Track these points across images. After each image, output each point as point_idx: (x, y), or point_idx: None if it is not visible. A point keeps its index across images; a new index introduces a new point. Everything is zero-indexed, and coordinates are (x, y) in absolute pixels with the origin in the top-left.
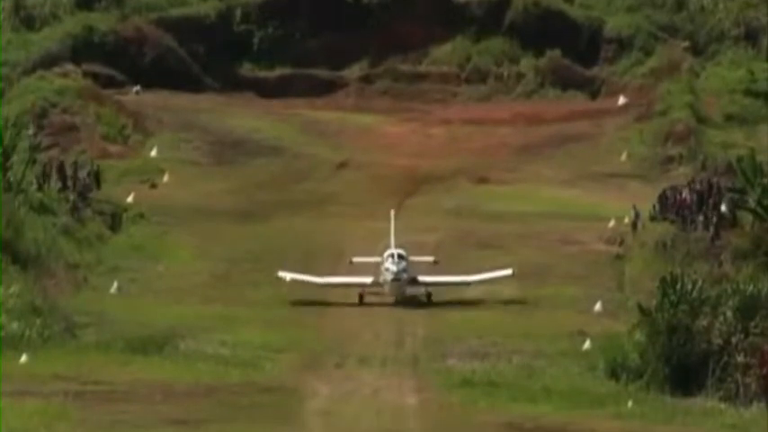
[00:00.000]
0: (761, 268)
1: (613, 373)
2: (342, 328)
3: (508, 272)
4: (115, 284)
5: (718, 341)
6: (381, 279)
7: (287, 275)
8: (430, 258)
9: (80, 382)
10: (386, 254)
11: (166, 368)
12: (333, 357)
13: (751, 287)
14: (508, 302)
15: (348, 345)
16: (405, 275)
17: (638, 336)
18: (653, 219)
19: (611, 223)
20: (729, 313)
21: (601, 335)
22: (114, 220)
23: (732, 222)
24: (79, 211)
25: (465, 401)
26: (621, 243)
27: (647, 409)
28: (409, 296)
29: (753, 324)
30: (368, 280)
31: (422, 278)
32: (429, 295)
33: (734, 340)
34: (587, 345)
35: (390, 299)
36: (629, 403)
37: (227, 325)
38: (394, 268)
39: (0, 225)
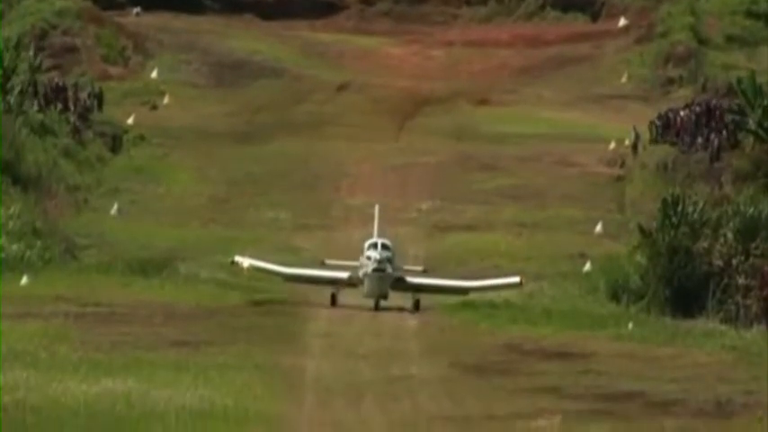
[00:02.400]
0: (761, 190)
1: (614, 295)
2: (343, 249)
3: (515, 279)
4: (115, 206)
5: (718, 263)
6: (361, 273)
7: (244, 261)
8: (419, 268)
9: (80, 304)
10: (367, 243)
11: (167, 290)
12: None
13: (752, 209)
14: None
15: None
16: (389, 268)
17: (639, 257)
18: (653, 140)
19: (612, 145)
20: (730, 235)
21: (601, 256)
22: (115, 142)
23: (733, 144)
24: (80, 133)
25: (465, 323)
26: (622, 165)
27: (647, 330)
28: (385, 297)
29: (753, 245)
30: (344, 275)
31: (411, 279)
32: (417, 303)
33: (734, 262)
34: (588, 266)
35: (369, 301)
36: (630, 325)
37: (227, 247)
38: (377, 255)
39: (0, 147)
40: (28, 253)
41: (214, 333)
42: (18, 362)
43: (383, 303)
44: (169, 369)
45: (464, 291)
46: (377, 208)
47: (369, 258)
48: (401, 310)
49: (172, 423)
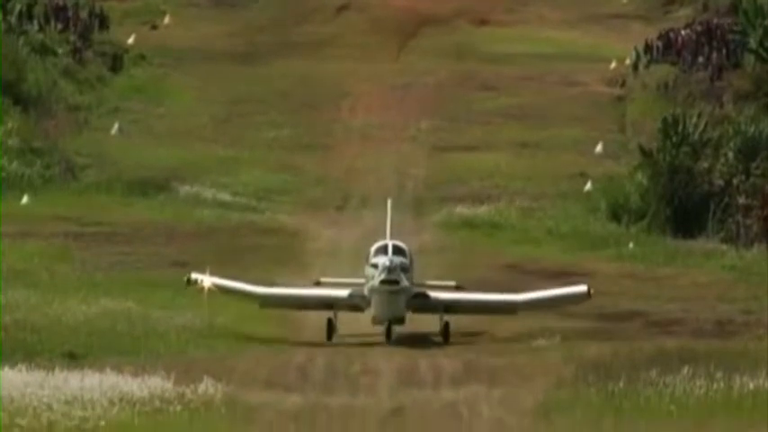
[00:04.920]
0: (762, 109)
1: (614, 215)
2: (343, 170)
3: (582, 288)
4: (116, 126)
5: (719, 182)
6: (366, 288)
7: (205, 280)
8: (450, 283)
9: (81, 224)
10: (373, 248)
11: (167, 210)
12: (334, 199)
13: (752, 128)
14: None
15: (349, 187)
16: (405, 279)
17: (640, 177)
18: (654, 60)
19: (613, 65)
20: (731, 154)
21: (602, 176)
22: (115, 62)
23: (734, 63)
24: (80, 53)
25: (466, 243)
26: (623, 84)
27: (648, 250)
28: (401, 321)
29: (754, 165)
30: (343, 293)
31: (437, 296)
32: (446, 328)
33: (735, 181)
34: (588, 186)
35: (378, 328)
36: (630, 245)
37: (227, 167)
38: (386, 262)
39: (0, 66)
40: (28, 172)
41: (215, 253)
42: (18, 281)
43: (397, 330)
44: (169, 289)
45: (512, 308)
46: (389, 203)
47: (376, 267)
48: (423, 339)
49: (172, 341)
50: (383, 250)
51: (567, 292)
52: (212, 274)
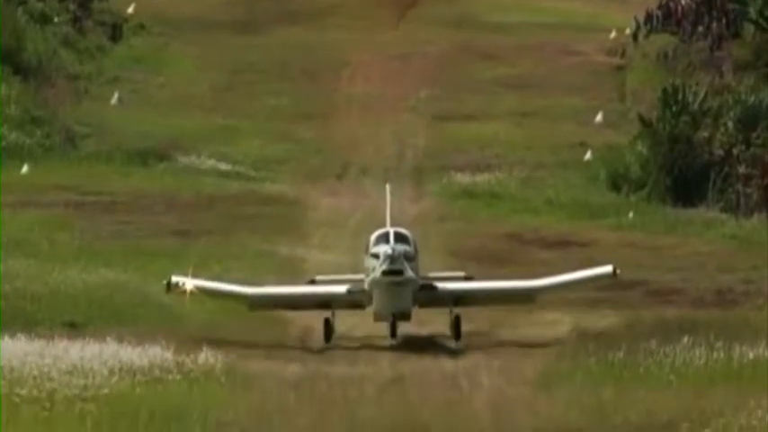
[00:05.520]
0: (762, 79)
1: (614, 185)
2: (343, 139)
3: (607, 269)
4: (116, 95)
5: (719, 152)
6: (367, 282)
7: (186, 282)
8: (459, 273)
9: (81, 193)
10: (373, 236)
11: (167, 179)
12: (334, 168)
13: (752, 97)
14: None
15: (349, 156)
16: (409, 270)
17: (640, 147)
18: (654, 29)
19: (613, 34)
20: (731, 124)
21: (602, 146)
22: (115, 31)
23: (733, 32)
24: (80, 22)
25: (466, 212)
26: (623, 54)
27: (647, 219)
28: (406, 316)
29: (754, 135)
30: (341, 290)
31: (446, 287)
32: (458, 323)
33: (735, 151)
34: (588, 156)
35: (380, 327)
36: (630, 214)
37: (227, 136)
38: (388, 250)
39: (0, 35)
40: (28, 141)
41: (215, 222)
42: (18, 250)
43: (402, 329)
44: (168, 258)
45: (530, 295)
46: (387, 188)
47: (377, 257)
48: (431, 341)
49: (173, 311)
50: (384, 238)
51: (590, 274)
52: (212, 243)
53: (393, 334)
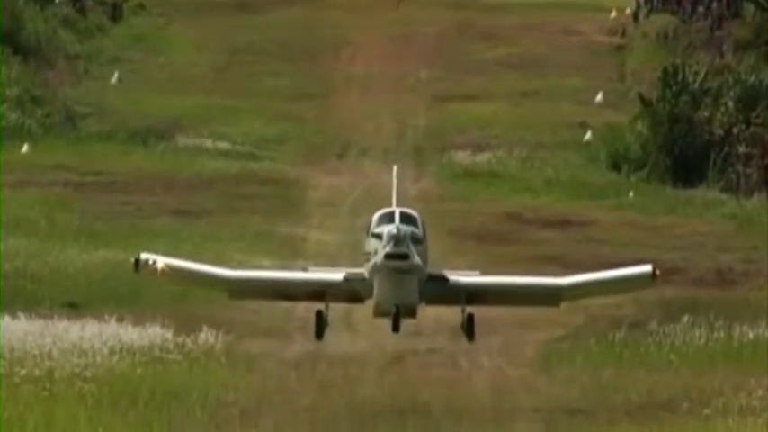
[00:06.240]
0: (762, 58)
1: (614, 165)
2: (343, 119)
3: (646, 268)
4: (116, 75)
5: (719, 132)
6: (367, 269)
7: (158, 260)
8: (473, 273)
9: (81, 173)
10: (375, 216)
11: (167, 160)
12: (334, 148)
13: (752, 77)
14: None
15: (349, 135)
16: (416, 256)
17: (640, 127)
18: (654, 9)
19: (613, 14)
20: (731, 104)
21: (602, 126)
22: (115, 11)
23: (734, 12)
24: (80, 2)
25: (466, 192)
26: (623, 34)
27: (648, 199)
28: (412, 311)
29: (754, 114)
30: (337, 276)
31: (460, 279)
32: (470, 321)
33: (735, 131)
34: (588, 136)
35: (382, 318)
36: (630, 194)
37: (227, 116)
38: (393, 230)
39: (0, 16)
40: (28, 121)
41: (215, 202)
42: (19, 230)
43: (405, 328)
44: (169, 238)
45: (555, 295)
46: (395, 170)
47: (379, 238)
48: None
49: (173, 291)
50: (389, 218)
51: (626, 273)
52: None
53: (395, 327)
